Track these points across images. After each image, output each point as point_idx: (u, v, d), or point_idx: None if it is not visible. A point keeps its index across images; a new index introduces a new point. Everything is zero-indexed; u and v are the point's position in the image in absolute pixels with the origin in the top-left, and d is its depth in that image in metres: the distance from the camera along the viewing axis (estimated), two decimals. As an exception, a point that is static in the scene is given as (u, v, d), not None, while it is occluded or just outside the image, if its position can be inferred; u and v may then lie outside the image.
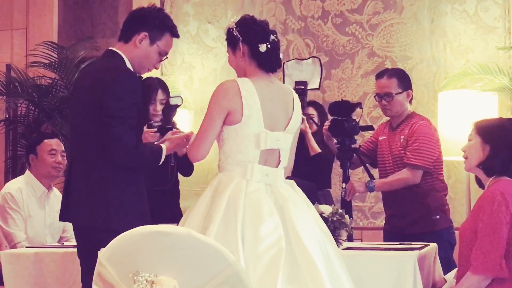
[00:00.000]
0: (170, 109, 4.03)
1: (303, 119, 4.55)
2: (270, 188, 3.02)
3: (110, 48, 3.31)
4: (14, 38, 6.59)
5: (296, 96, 3.21)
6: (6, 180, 5.93)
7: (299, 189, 3.12)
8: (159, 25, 3.26)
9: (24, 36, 6.56)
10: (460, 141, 4.11)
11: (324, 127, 4.54)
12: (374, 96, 4.56)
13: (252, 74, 3.11)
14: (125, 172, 3.12)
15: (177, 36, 3.34)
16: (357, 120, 4.44)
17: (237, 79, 3.09)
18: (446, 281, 3.71)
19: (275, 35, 3.15)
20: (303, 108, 4.69)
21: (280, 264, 2.77)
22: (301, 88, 4.61)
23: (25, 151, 5.08)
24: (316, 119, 4.86)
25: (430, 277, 3.71)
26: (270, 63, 3.12)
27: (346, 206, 4.31)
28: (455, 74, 5.50)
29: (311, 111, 4.89)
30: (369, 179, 4.36)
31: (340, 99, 5.14)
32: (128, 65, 3.24)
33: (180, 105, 4.04)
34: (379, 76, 4.51)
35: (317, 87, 4.73)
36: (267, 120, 3.05)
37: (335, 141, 4.43)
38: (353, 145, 4.40)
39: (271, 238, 2.83)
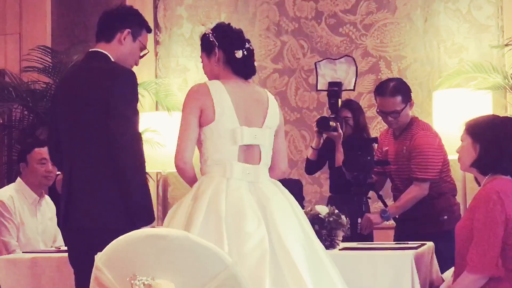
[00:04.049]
0: None
1: (338, 124, 4.47)
2: (253, 185, 3.00)
3: (93, 49, 3.31)
4: (7, 43, 6.57)
5: (271, 97, 3.20)
6: (2, 185, 5.91)
7: (284, 189, 3.09)
8: (138, 22, 3.34)
9: (18, 41, 6.54)
10: (455, 140, 4.10)
11: (337, 160, 4.46)
12: (378, 112, 4.42)
13: (225, 79, 3.13)
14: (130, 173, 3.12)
15: (151, 31, 3.42)
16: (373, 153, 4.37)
17: (206, 81, 3.13)
18: (443, 280, 3.72)
19: (249, 44, 3.19)
20: (338, 110, 4.47)
21: (266, 266, 2.74)
22: (334, 90, 4.44)
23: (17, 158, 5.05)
24: (351, 122, 4.67)
25: (428, 276, 3.72)
26: (245, 69, 3.16)
27: (366, 239, 4.27)
28: (449, 73, 5.50)
29: (346, 113, 4.68)
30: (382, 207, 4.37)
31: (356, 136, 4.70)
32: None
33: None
34: (381, 93, 4.32)
35: (352, 88, 4.52)
36: (242, 117, 3.05)
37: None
38: (369, 180, 4.32)
39: (255, 237, 2.81)
